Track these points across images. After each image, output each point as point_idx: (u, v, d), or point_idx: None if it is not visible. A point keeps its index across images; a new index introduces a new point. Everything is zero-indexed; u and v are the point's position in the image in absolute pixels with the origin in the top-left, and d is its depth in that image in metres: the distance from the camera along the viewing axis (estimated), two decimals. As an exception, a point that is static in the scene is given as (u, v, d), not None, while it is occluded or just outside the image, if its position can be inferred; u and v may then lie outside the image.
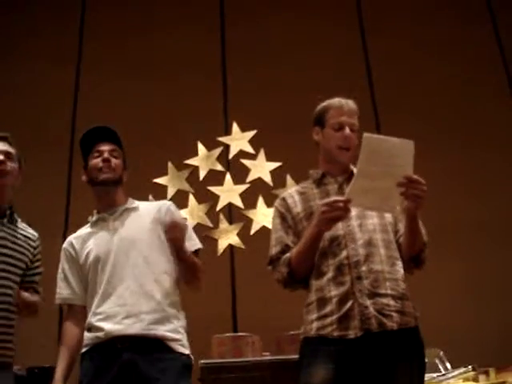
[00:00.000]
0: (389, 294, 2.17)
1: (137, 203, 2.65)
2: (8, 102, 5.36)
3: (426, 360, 2.22)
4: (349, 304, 2.15)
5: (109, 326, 2.33)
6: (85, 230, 2.64)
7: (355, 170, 2.25)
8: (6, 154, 2.63)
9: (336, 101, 2.43)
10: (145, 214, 2.58)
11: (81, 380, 2.36)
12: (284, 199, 2.44)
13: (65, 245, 2.64)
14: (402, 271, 2.27)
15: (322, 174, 2.42)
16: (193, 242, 2.56)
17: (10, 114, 5.10)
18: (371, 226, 2.27)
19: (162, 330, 2.34)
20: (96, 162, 2.59)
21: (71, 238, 2.65)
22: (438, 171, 4.93)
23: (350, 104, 2.42)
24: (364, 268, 2.18)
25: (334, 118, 2.39)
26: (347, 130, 2.35)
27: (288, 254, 2.30)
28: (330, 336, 2.15)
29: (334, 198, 2.13)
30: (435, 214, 4.51)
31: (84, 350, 2.40)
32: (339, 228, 2.23)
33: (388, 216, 2.32)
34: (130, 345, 2.29)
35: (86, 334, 2.41)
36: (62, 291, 2.58)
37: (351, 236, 2.24)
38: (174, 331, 2.38)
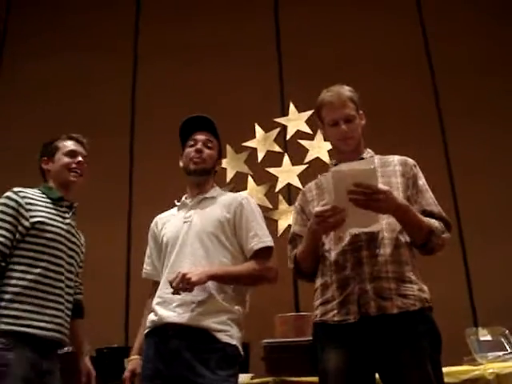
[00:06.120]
0: (390, 278, 2.16)
1: (217, 193, 2.69)
2: None
3: (490, 338, 2.20)
4: (349, 289, 2.17)
5: (162, 312, 2.41)
6: (171, 211, 2.75)
7: (366, 155, 2.38)
8: None
9: (326, 96, 2.44)
10: (219, 206, 2.61)
11: (143, 360, 2.48)
12: (304, 193, 2.54)
13: (152, 223, 2.77)
14: (407, 254, 2.24)
15: (335, 164, 2.42)
16: (256, 240, 2.55)
17: None
18: None
19: (210, 321, 2.37)
20: (189, 151, 2.68)
21: (157, 217, 2.78)
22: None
23: (340, 95, 2.42)
24: (365, 252, 2.20)
25: (328, 115, 2.42)
26: (342, 126, 2.37)
27: (295, 251, 2.42)
28: (331, 321, 2.18)
29: (323, 208, 2.11)
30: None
31: (146, 331, 2.50)
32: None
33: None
34: (178, 333, 2.35)
35: (149, 316, 2.51)
36: (147, 267, 2.74)
37: None
38: (222, 323, 2.39)
